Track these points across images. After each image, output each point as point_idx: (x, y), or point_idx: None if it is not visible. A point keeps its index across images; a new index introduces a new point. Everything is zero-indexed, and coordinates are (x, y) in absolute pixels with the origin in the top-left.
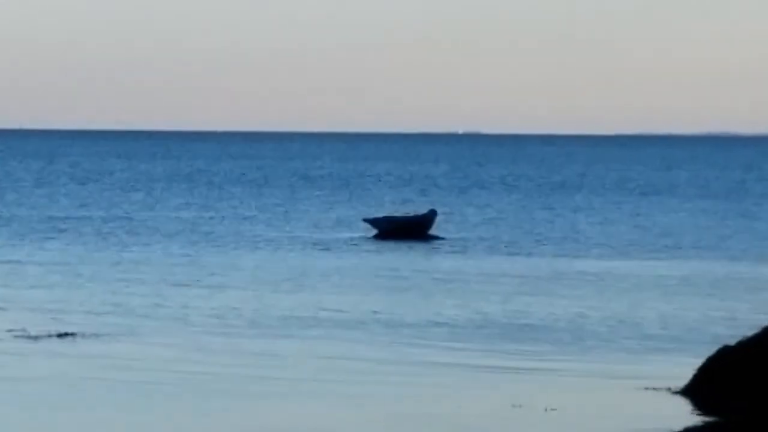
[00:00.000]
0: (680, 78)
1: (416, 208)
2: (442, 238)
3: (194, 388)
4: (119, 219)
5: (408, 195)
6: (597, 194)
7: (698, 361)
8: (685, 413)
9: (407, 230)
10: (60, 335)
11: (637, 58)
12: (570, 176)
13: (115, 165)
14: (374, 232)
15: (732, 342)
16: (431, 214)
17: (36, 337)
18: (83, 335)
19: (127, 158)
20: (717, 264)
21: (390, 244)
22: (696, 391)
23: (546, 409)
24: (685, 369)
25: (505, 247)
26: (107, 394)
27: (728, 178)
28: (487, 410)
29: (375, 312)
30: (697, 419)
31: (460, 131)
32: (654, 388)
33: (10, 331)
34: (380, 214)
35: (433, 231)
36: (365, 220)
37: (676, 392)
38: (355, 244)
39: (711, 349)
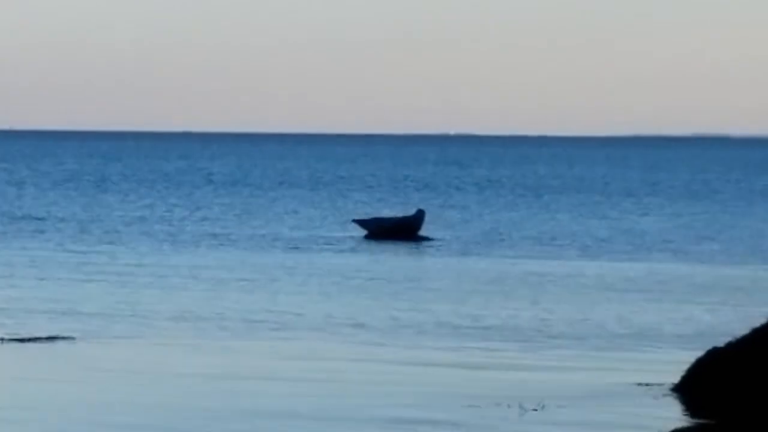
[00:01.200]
0: (673, 79)
1: (406, 209)
2: (431, 239)
3: (171, 397)
4: (94, 220)
5: (399, 196)
6: (586, 195)
7: (682, 362)
8: (673, 414)
9: (396, 231)
10: (33, 339)
11: (632, 59)
12: (562, 178)
13: (98, 165)
14: (364, 233)
15: (719, 343)
16: (420, 215)
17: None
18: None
19: (111, 159)
20: (692, 266)
21: (377, 245)
22: (683, 392)
23: (526, 409)
24: (672, 369)
25: (490, 248)
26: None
27: (713, 180)
28: (467, 409)
29: (350, 313)
30: (685, 420)
31: (452, 132)
32: (640, 388)
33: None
34: (369, 215)
35: (422, 232)
36: (354, 221)
37: (664, 393)
38: (342, 245)
39: (696, 351)
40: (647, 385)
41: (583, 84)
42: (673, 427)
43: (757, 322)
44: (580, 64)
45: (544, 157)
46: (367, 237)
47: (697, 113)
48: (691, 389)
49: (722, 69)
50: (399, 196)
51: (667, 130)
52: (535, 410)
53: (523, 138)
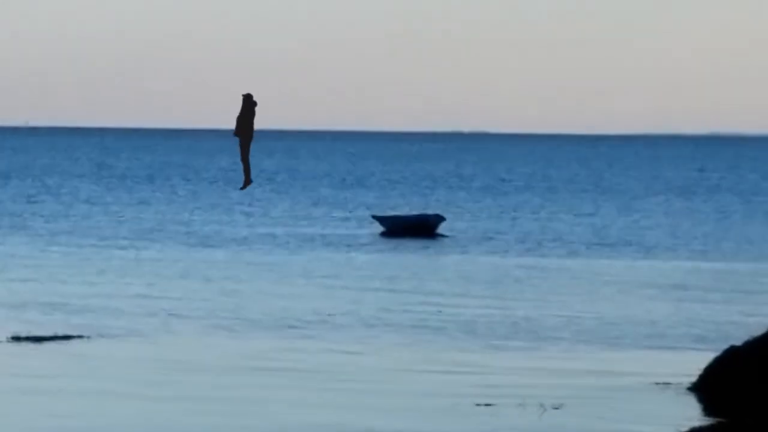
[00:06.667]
0: (685, 77)
1: (423, 208)
2: (446, 236)
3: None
4: (93, 216)
5: (413, 194)
6: (599, 194)
7: (698, 361)
8: (691, 412)
9: (413, 229)
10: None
11: (644, 57)
12: (571, 176)
13: (105, 160)
14: (382, 229)
15: (737, 342)
16: (437, 219)
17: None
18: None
19: (128, 153)
20: (708, 264)
21: (392, 242)
22: (702, 390)
23: (549, 407)
24: (690, 367)
25: (501, 246)
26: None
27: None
28: (489, 406)
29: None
30: (703, 419)
31: (465, 130)
32: (659, 386)
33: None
34: (388, 213)
35: (438, 231)
36: (374, 217)
37: (682, 391)
38: (358, 241)
39: (713, 348)
40: (666, 384)
41: (597, 83)
42: (690, 425)
43: None
44: (595, 63)
45: (556, 155)
46: (384, 234)
47: (713, 112)
48: (709, 387)
49: (731, 67)
50: (415, 194)
51: (679, 129)
52: (556, 408)
53: (536, 136)
